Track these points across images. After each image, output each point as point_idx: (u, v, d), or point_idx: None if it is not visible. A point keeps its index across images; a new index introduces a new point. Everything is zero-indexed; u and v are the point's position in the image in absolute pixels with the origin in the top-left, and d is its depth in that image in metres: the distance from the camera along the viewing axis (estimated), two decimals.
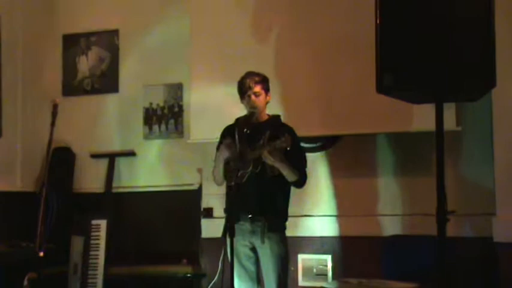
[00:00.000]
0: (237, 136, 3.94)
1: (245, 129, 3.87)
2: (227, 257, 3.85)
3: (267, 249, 3.99)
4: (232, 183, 3.79)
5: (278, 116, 4.18)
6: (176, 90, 5.85)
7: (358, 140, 5.09)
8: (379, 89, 2.78)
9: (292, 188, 4.13)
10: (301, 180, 4.03)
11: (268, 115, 4.15)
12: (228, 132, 4.12)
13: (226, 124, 4.27)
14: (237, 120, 4.04)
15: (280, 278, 4.02)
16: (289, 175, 3.93)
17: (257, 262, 4.09)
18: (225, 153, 3.95)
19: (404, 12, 2.74)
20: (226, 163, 3.94)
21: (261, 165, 3.90)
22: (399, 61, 2.71)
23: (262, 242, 3.96)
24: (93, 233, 5.61)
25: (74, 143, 6.08)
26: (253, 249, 4.07)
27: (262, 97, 4.05)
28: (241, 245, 4.03)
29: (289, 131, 3.97)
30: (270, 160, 3.79)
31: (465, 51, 2.61)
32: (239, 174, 3.85)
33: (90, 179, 6.03)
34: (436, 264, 2.75)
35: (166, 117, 5.88)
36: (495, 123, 4.51)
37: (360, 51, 4.55)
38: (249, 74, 4.06)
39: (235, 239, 3.89)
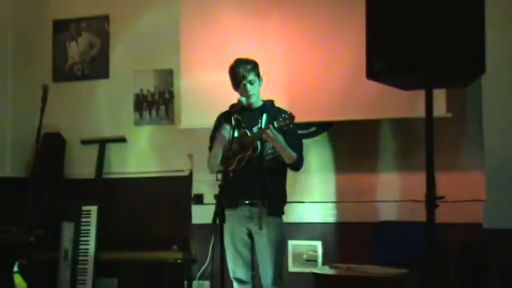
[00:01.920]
0: (233, 122, 3.93)
1: (236, 115, 3.85)
2: (217, 243, 3.85)
3: (264, 236, 3.97)
4: (231, 168, 3.79)
5: (272, 101, 4.17)
6: (167, 76, 5.82)
7: (351, 126, 5.08)
8: (369, 75, 2.76)
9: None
10: (299, 163, 4.03)
11: (262, 100, 4.13)
12: (224, 119, 4.10)
13: (217, 110, 4.25)
14: (232, 106, 4.02)
15: (277, 264, 4.01)
16: (287, 156, 3.92)
17: (253, 248, 4.08)
18: (222, 140, 3.94)
19: None
20: (225, 149, 3.94)
21: (260, 148, 3.89)
22: (389, 46, 2.69)
23: (260, 228, 3.94)
24: (83, 219, 5.60)
25: (64, 128, 6.05)
26: (250, 235, 4.06)
27: (256, 83, 4.05)
28: (238, 231, 4.02)
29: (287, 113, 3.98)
30: (271, 136, 3.76)
31: (455, 36, 2.59)
32: (238, 158, 3.85)
33: (80, 165, 6.01)
34: (425, 250, 2.75)
35: (157, 103, 5.85)
36: (485, 109, 4.51)
37: (353, 36, 4.54)
38: (240, 62, 4.04)
39: (231, 225, 3.90)
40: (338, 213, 5.17)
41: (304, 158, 4.09)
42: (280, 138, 3.81)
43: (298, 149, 4.02)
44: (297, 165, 4.03)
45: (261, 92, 4.14)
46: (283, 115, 3.75)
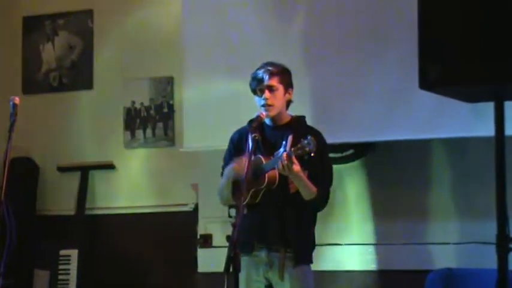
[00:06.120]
0: (250, 143, 3.92)
1: (255, 135, 3.83)
2: None
3: None
4: (244, 202, 3.77)
5: (303, 118, 4.14)
6: (165, 86, 5.86)
7: (397, 149, 5.09)
8: (423, 84, 2.77)
9: None
10: (321, 200, 3.95)
11: (291, 116, 4.11)
12: (239, 138, 4.10)
13: (229, 128, 4.24)
14: (250, 122, 4.02)
15: None
16: (304, 191, 3.89)
17: None
18: (234, 173, 3.93)
19: None
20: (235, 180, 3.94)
21: (279, 180, 3.87)
22: (448, 49, 2.70)
23: (281, 278, 3.92)
24: (61, 266, 5.62)
25: (37, 152, 6.11)
26: (270, 286, 4.04)
27: (279, 93, 3.99)
28: (255, 281, 4.00)
29: (316, 134, 3.94)
30: (285, 168, 3.75)
31: None
32: (251, 192, 3.83)
33: (57, 197, 6.05)
34: None
35: (153, 119, 5.89)
36: None
37: (402, 36, 4.55)
38: (265, 65, 4.05)
39: (246, 273, 3.88)
40: (384, 258, 5.16)
41: (330, 195, 4.01)
42: (300, 174, 3.78)
43: (323, 182, 3.93)
44: (317, 203, 3.93)
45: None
46: (302, 140, 3.72)
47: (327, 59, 5.02)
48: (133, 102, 5.94)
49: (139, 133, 5.92)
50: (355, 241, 5.25)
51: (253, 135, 3.82)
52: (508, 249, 2.73)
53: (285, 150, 3.78)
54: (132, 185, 5.92)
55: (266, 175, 3.84)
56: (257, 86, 3.99)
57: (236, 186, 3.97)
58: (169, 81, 5.85)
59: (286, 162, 3.67)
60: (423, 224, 5.13)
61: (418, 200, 5.15)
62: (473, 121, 4.40)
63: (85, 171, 5.98)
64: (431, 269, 4.89)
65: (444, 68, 2.72)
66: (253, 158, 3.80)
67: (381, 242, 5.20)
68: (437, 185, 5.13)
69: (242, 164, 3.87)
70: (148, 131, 5.90)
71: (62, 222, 5.90)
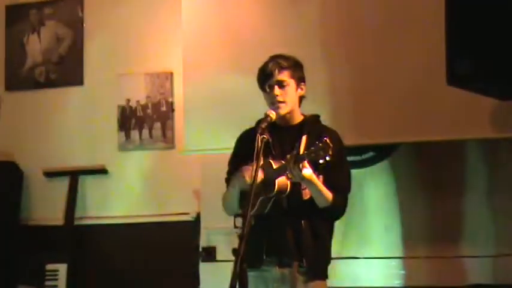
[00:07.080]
0: (258, 146, 3.91)
1: (264, 136, 3.83)
2: None
3: None
4: (252, 212, 3.76)
5: (317, 117, 4.14)
6: (163, 82, 5.86)
7: (423, 151, 5.09)
8: (451, 80, 2.77)
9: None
10: (338, 208, 3.96)
11: (303, 115, 4.11)
12: (246, 140, 4.09)
13: (235, 128, 4.24)
14: (259, 122, 4.01)
15: None
16: (318, 197, 3.88)
17: None
18: (244, 185, 3.93)
19: None
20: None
21: (291, 187, 3.87)
22: (479, 41, 2.70)
23: None
24: (48, 282, 5.63)
25: (21, 155, 6.12)
26: None
27: (290, 89, 3.98)
28: None
29: (332, 135, 3.93)
30: (294, 175, 3.74)
31: None
32: (260, 200, 3.83)
33: (43, 206, 6.06)
34: None
35: (150, 119, 5.90)
36: None
37: (428, 27, 4.54)
38: (274, 57, 4.04)
39: None
40: (407, 273, 5.15)
41: (348, 201, 4.01)
42: (312, 179, 3.77)
43: (340, 187, 3.93)
44: (333, 211, 3.92)
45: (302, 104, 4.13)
46: (316, 143, 3.71)
47: (344, 52, 5.01)
48: (128, 100, 5.95)
49: (134, 134, 5.93)
50: (375, 254, 5.25)
51: (262, 136, 3.82)
52: None
53: (297, 154, 3.77)
54: (127, 191, 5.93)
55: (276, 181, 3.83)
56: (266, 82, 3.98)
57: (243, 194, 3.96)
58: (168, 76, 5.86)
59: (293, 168, 3.67)
60: (453, 235, 5.12)
61: (448, 207, 5.13)
62: (508, 121, 4.39)
63: (74, 176, 5.98)
64: (463, 285, 4.90)
65: (475, 63, 2.72)
66: (262, 162, 3.80)
67: (406, 255, 5.19)
68: (470, 190, 5.12)
69: (251, 173, 3.86)
70: (145, 132, 5.90)
71: (48, 233, 5.90)
